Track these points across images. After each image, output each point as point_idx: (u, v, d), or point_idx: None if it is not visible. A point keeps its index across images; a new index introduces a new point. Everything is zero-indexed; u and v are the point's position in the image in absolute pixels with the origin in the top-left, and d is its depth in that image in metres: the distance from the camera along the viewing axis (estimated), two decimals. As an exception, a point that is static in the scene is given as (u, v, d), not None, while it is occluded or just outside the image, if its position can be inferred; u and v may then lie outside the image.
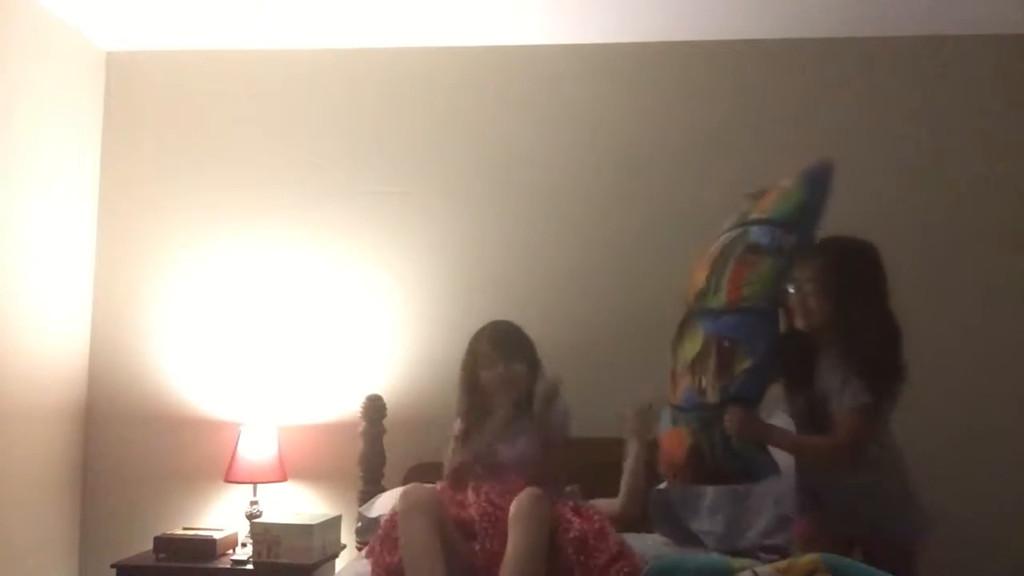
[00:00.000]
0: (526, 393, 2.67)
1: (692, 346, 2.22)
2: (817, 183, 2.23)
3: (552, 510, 2.37)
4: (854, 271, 2.18)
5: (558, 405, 2.67)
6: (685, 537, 2.63)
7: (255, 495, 3.22)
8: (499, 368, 2.66)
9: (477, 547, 2.37)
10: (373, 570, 2.41)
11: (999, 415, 3.24)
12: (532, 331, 2.81)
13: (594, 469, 2.79)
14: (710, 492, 2.61)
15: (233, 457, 3.22)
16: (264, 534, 2.94)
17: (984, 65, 3.38)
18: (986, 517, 3.14)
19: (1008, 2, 3.16)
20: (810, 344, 2.21)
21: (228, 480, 3.21)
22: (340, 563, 3.12)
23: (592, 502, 2.61)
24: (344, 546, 3.21)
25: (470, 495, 2.51)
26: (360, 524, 3.01)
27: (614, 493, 2.77)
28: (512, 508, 2.33)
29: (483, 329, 2.77)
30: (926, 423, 3.17)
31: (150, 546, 3.10)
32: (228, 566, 3.03)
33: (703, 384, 2.16)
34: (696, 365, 2.19)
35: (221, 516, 3.36)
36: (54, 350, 3.34)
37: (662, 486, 2.65)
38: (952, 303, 3.30)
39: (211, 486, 3.39)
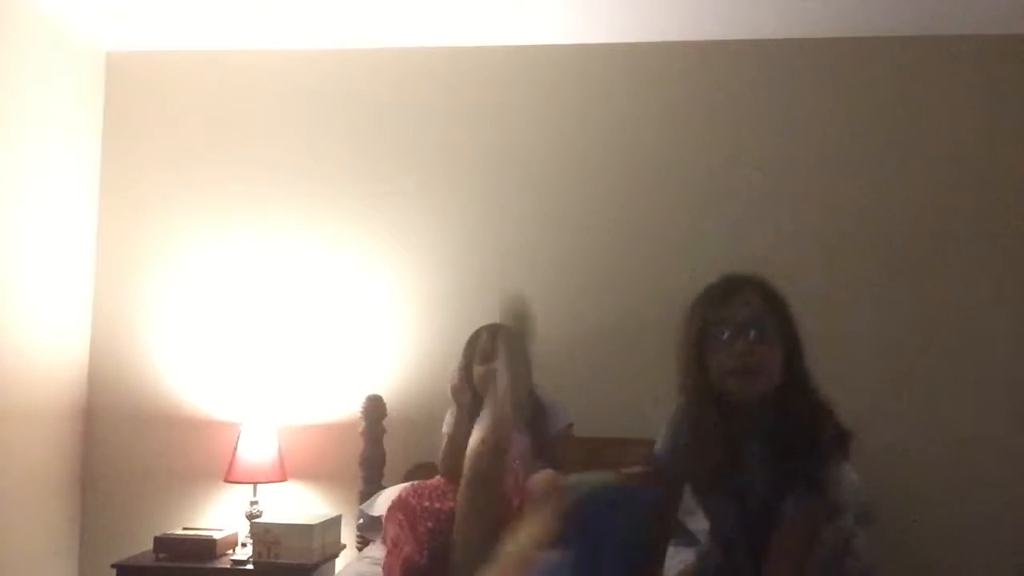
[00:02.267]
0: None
1: None
2: None
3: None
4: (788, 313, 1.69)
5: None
6: (682, 534, 2.63)
7: (255, 495, 3.22)
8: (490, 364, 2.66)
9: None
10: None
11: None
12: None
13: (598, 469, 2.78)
14: None
15: (233, 457, 3.21)
16: (264, 534, 2.95)
17: (984, 65, 3.38)
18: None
19: (1008, 2, 3.16)
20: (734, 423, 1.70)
21: (228, 480, 3.21)
22: (340, 563, 3.12)
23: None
24: (344, 546, 3.22)
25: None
26: (361, 521, 3.01)
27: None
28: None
29: (487, 327, 2.76)
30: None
31: (150, 546, 3.10)
32: (228, 566, 3.03)
33: None
34: None
35: (221, 516, 3.36)
36: (54, 350, 3.34)
37: None
38: (960, 296, 3.30)
39: (211, 486, 3.39)
